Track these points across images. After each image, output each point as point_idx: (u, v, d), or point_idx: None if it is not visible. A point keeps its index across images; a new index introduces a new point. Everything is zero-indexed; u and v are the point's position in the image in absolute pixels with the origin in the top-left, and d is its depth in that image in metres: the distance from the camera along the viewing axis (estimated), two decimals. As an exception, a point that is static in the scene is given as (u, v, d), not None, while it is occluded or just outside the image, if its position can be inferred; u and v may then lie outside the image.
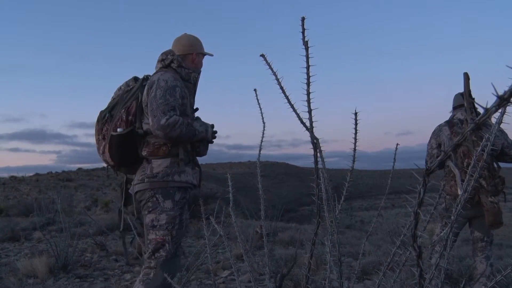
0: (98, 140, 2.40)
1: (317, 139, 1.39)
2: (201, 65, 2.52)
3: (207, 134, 2.38)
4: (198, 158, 2.49)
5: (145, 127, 2.30)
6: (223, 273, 4.23)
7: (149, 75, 2.42)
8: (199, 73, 2.46)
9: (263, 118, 1.81)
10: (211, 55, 2.56)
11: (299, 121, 1.39)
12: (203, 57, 2.54)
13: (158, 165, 2.24)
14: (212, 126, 2.45)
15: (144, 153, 2.28)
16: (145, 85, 2.35)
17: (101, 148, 2.37)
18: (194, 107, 2.46)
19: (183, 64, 2.39)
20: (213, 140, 2.46)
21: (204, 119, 2.54)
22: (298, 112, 1.38)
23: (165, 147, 2.25)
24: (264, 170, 1.85)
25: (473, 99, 3.03)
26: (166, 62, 2.39)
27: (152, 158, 2.26)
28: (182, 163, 2.26)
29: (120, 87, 2.49)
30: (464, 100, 3.08)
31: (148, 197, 2.22)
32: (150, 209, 2.22)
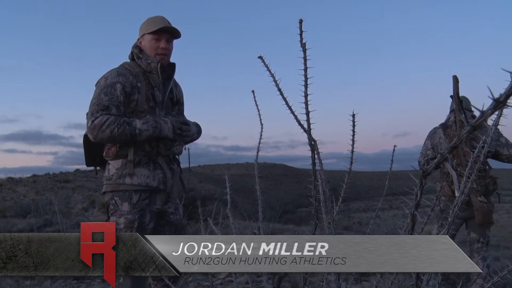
0: None
1: (314, 141, 1.39)
2: (154, 49, 2.17)
3: (162, 131, 2.10)
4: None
5: None
6: (221, 275, 4.23)
7: None
8: (157, 62, 2.14)
9: (261, 120, 1.81)
10: (163, 29, 2.15)
11: (297, 123, 1.39)
12: (158, 38, 2.17)
13: (112, 167, 2.14)
14: (177, 121, 2.16)
15: (104, 154, 2.19)
16: None
17: None
18: (164, 99, 2.22)
19: (140, 55, 2.18)
20: (181, 136, 2.18)
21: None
22: (296, 113, 1.38)
23: (114, 148, 2.12)
24: (261, 172, 1.84)
25: (461, 101, 3.07)
26: (130, 56, 2.24)
27: (108, 159, 2.17)
28: (130, 165, 2.10)
29: None
30: (454, 103, 3.12)
31: (109, 199, 2.14)
32: (112, 212, 2.13)
